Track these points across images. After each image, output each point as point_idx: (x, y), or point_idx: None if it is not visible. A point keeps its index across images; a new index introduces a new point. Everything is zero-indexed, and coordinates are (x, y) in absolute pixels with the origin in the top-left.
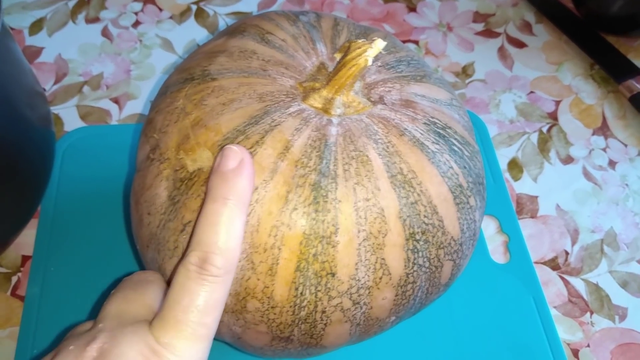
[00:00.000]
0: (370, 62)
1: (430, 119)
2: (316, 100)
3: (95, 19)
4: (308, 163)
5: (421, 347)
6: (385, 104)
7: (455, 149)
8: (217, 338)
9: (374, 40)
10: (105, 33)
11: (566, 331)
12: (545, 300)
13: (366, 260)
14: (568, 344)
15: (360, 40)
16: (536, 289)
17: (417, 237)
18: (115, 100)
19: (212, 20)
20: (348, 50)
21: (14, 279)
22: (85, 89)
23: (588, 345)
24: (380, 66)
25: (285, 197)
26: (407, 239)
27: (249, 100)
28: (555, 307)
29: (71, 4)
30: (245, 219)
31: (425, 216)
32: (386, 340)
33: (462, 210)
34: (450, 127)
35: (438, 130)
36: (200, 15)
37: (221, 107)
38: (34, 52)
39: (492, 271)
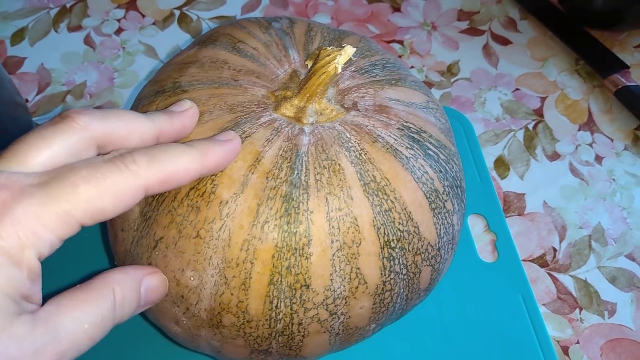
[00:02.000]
0: (339, 70)
1: (405, 123)
2: (288, 109)
3: (78, 27)
4: (279, 174)
5: (410, 347)
6: (358, 110)
7: (431, 153)
8: (199, 352)
9: (343, 47)
10: (87, 41)
11: (555, 328)
12: (534, 297)
13: (341, 270)
14: (558, 341)
15: (329, 48)
16: (525, 286)
17: (393, 244)
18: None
19: (196, 25)
20: (317, 57)
21: None
22: (69, 98)
23: (578, 342)
24: (354, 71)
25: (256, 210)
26: (382, 247)
27: (220, 112)
28: (544, 304)
29: (53, 13)
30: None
31: (400, 223)
32: (375, 340)
33: (439, 215)
34: (425, 131)
35: (412, 135)
36: (184, 20)
37: None
38: (16, 63)
39: (480, 270)
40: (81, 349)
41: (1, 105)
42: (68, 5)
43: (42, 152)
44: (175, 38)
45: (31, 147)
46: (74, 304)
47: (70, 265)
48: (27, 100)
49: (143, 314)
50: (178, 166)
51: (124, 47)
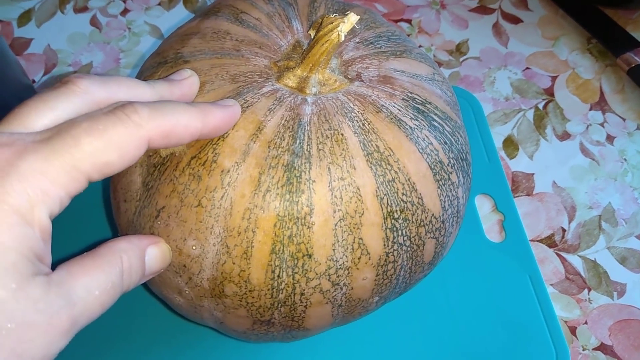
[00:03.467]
0: (342, 37)
1: (409, 94)
2: (291, 80)
3: (84, 8)
4: (281, 144)
5: (416, 326)
6: (362, 80)
7: (436, 124)
8: (202, 323)
9: (347, 14)
10: (93, 22)
11: (563, 309)
12: (542, 278)
13: (343, 240)
14: (565, 322)
15: (332, 15)
16: (532, 267)
17: (396, 215)
18: None
19: (201, 5)
20: (320, 26)
21: None
22: None
23: (586, 322)
24: (358, 42)
25: (258, 179)
26: (385, 218)
27: (221, 82)
28: (552, 284)
29: None
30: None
31: (403, 194)
32: (380, 319)
33: (443, 187)
34: (430, 103)
35: (417, 105)
36: (189, 0)
37: None
38: (23, 44)
39: (487, 250)
40: (93, 315)
41: (8, 86)
42: None
43: (45, 114)
44: (180, 18)
45: (33, 110)
46: (84, 270)
47: (74, 240)
48: (33, 81)
49: (146, 286)
50: (179, 121)
51: (129, 28)
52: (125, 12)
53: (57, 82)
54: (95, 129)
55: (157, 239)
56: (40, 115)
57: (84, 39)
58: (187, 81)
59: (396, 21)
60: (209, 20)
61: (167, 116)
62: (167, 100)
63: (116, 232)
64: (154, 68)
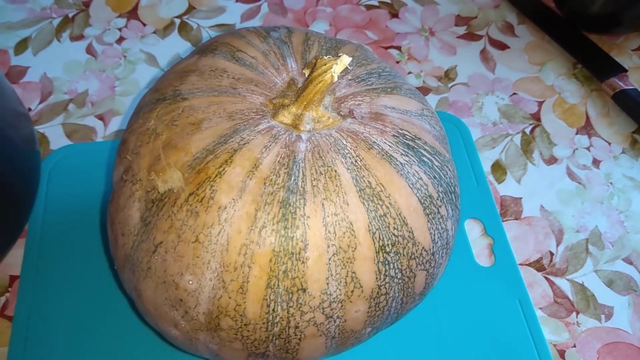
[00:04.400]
0: (335, 78)
1: (400, 130)
2: (286, 117)
3: (80, 37)
4: (276, 180)
5: (407, 351)
6: (354, 117)
7: (425, 159)
8: (197, 355)
9: (339, 56)
10: (89, 50)
11: (552, 332)
12: (531, 301)
13: (337, 274)
14: (554, 345)
15: (326, 57)
16: (521, 290)
17: (388, 249)
18: (100, 117)
19: (196, 33)
20: (314, 66)
21: (2, 299)
22: (71, 106)
23: (574, 346)
24: (350, 79)
25: (254, 216)
26: (377, 252)
27: (219, 119)
28: (540, 308)
29: (56, 23)
30: None
31: (394, 228)
32: (371, 345)
33: (433, 220)
34: (419, 138)
35: (407, 141)
36: (184, 28)
37: (191, 127)
38: (20, 72)
39: (477, 274)
40: None
41: (3, 115)
42: (70, 15)
43: None
44: (175, 46)
45: None
46: None
47: (71, 270)
48: (29, 109)
49: (142, 318)
50: None
51: (125, 56)
52: (120, 40)
53: None
54: None
55: None
56: None
57: (80, 67)
58: None
59: (386, 48)
60: (207, 57)
61: None
62: None
63: (112, 263)
64: (152, 104)
